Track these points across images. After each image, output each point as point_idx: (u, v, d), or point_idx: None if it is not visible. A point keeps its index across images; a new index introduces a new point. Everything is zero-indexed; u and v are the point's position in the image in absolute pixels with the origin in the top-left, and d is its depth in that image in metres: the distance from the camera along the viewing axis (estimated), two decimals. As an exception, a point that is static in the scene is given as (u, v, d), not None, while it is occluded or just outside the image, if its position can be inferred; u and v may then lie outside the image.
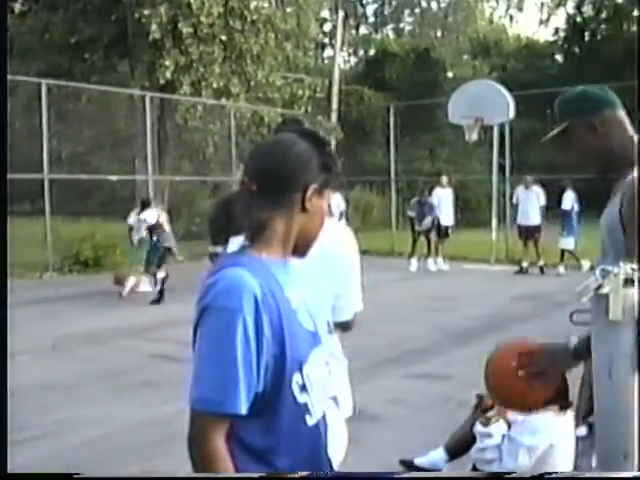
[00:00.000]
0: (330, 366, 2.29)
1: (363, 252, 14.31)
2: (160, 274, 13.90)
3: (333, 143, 31.80)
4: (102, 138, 32.60)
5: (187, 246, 19.61)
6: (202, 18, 20.70)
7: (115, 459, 5.72)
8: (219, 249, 13.06)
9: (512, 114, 18.58)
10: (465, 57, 42.51)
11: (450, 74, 39.59)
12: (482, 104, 18.37)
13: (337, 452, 2.40)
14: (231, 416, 1.95)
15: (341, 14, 37.34)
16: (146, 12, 20.08)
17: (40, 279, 16.67)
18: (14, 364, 8.80)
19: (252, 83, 23.07)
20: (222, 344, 1.93)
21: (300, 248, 2.16)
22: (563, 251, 17.07)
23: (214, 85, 21.55)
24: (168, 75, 20.47)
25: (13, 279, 16.16)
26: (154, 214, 14.52)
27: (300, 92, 25.24)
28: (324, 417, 2.16)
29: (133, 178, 21.69)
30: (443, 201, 18.65)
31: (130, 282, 14.21)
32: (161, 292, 13.66)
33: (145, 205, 15.04)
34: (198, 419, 1.97)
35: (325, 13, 49.48)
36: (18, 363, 8.92)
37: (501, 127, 20.40)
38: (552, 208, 17.32)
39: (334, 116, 31.67)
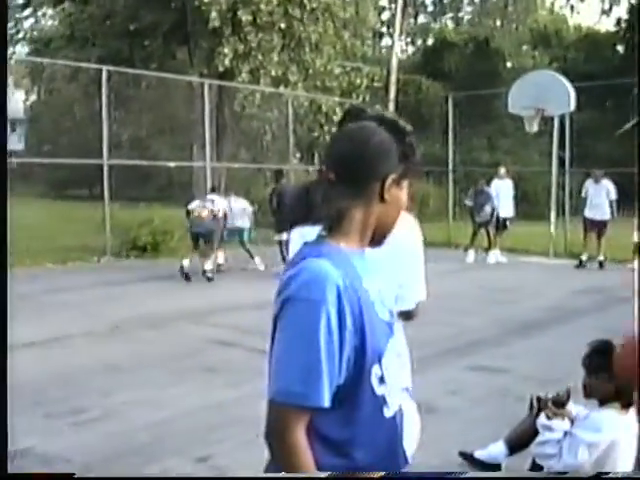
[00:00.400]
0: (402, 357, 2.28)
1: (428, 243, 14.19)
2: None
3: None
4: (160, 124, 32.91)
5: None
6: (261, 6, 20.78)
7: (172, 443, 5.76)
8: (285, 236, 13.48)
9: (573, 105, 18.32)
10: (525, 47, 41.93)
11: (509, 64, 39.09)
12: (543, 95, 18.15)
13: (411, 444, 2.38)
14: (314, 409, 1.94)
15: (400, 2, 37.07)
16: (206, 0, 20.16)
17: (98, 263, 16.85)
18: (73, 346, 8.99)
19: (310, 71, 23.08)
20: (305, 336, 1.93)
21: (377, 238, 2.15)
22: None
23: (272, 73, 21.60)
24: (227, 63, 20.57)
25: (72, 262, 16.44)
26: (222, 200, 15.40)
27: (358, 81, 25.16)
28: (400, 409, 2.15)
29: (191, 165, 21.81)
30: (502, 193, 18.40)
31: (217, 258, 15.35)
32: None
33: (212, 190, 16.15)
34: (280, 411, 1.97)
35: (383, 1, 49.39)
36: (77, 345, 9.08)
37: (561, 118, 20.10)
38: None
39: (391, 106, 31.46)
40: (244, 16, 20.54)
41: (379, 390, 2.04)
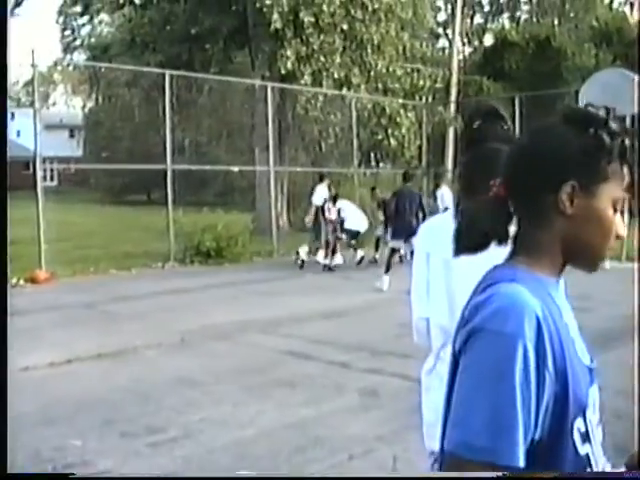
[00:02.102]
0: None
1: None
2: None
3: (452, 135, 31.31)
4: (220, 128, 32.81)
5: (305, 237, 19.46)
6: (323, 7, 20.49)
7: (255, 466, 5.45)
8: (399, 244, 13.42)
9: (648, 104, 17.74)
10: (586, 46, 41.07)
11: (571, 63, 38.29)
12: (614, 93, 17.57)
13: None
14: (504, 468, 1.51)
15: (460, 2, 36.57)
16: (267, 2, 19.95)
17: (162, 269, 16.67)
18: (143, 359, 8.73)
19: (372, 73, 22.73)
20: (496, 377, 1.50)
21: (582, 262, 1.74)
22: None
23: (335, 75, 21.29)
24: (289, 65, 20.30)
25: (136, 269, 16.29)
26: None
27: (421, 82, 24.73)
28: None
29: (254, 169, 21.59)
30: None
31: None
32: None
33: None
34: (461, 467, 1.51)
35: (440, 2, 48.90)
36: (147, 358, 8.82)
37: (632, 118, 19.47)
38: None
39: (452, 107, 30.98)
40: (306, 17, 20.27)
41: (582, 449, 1.61)
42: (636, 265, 15.89)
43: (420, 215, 13.68)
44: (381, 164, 32.40)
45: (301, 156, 25.57)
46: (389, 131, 22.74)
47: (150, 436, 6.04)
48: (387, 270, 13.48)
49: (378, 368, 8.14)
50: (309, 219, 17.05)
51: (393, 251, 13.84)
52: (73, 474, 4.78)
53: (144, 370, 8.22)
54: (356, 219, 18.08)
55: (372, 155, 29.61)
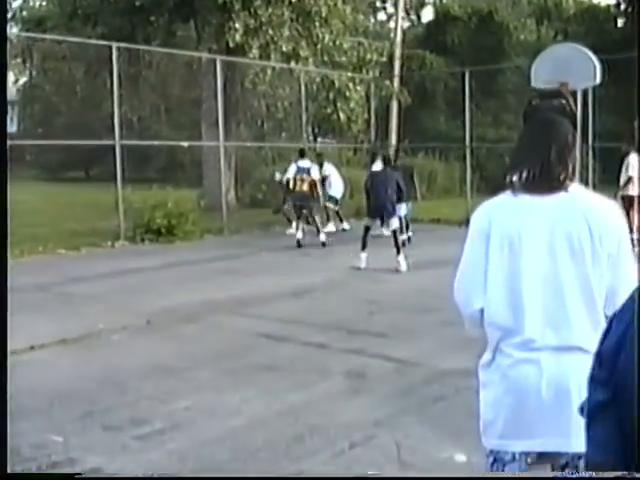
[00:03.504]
0: None
1: (436, 220, 13.70)
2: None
3: (396, 109, 31.13)
4: (163, 103, 32.17)
5: (254, 214, 19.23)
6: (272, -21, 20.06)
7: (256, 460, 5.14)
8: (374, 223, 13.46)
9: (599, 79, 17.67)
10: (528, 21, 41.17)
11: (514, 38, 38.35)
12: (567, 68, 17.49)
13: None
14: None
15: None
16: (216, -27, 19.43)
17: (112, 248, 16.18)
18: (110, 343, 8.34)
19: (319, 46, 22.35)
20: None
21: None
22: None
23: (283, 49, 20.86)
24: (238, 38, 19.81)
25: (85, 248, 15.80)
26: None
27: (368, 56, 24.42)
28: None
29: (203, 144, 21.13)
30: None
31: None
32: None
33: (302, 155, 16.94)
34: None
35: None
36: (114, 342, 8.45)
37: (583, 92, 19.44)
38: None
39: (396, 81, 30.75)
40: (255, -11, 19.82)
41: None
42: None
43: (395, 196, 13.42)
44: (326, 139, 32.17)
45: (244, 131, 25.17)
46: (338, 105, 22.42)
47: (135, 429, 5.69)
48: (363, 247, 13.25)
49: (358, 349, 7.90)
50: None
51: (367, 229, 13.54)
52: (78, 474, 4.43)
53: (114, 356, 7.84)
54: (338, 185, 18.53)
55: (317, 129, 29.35)
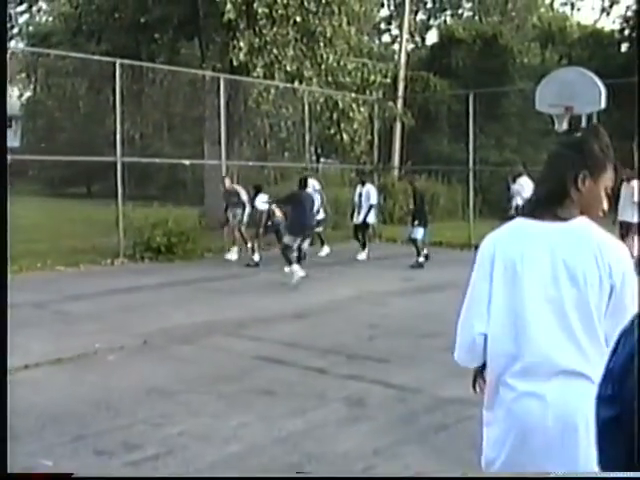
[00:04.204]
0: None
1: (438, 243, 13.58)
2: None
3: (399, 131, 31.10)
4: (165, 120, 32.13)
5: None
6: (277, -2, 20.03)
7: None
8: (294, 241, 13.67)
9: (604, 103, 17.59)
10: (532, 44, 41.22)
11: (518, 61, 38.35)
12: (572, 92, 17.44)
13: None
14: None
15: (407, -2, 36.41)
16: (221, -8, 19.40)
17: (112, 265, 16.04)
18: (105, 364, 8.19)
19: (323, 67, 22.30)
20: None
21: None
22: None
23: (287, 68, 20.81)
24: (242, 57, 19.76)
25: (84, 265, 15.66)
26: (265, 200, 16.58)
27: (372, 77, 24.36)
28: None
29: (205, 162, 21.03)
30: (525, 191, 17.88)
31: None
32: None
33: (258, 190, 17.06)
34: None
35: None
36: (109, 363, 8.30)
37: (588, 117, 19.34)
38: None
39: (400, 103, 30.72)
40: (260, 8, 19.75)
41: None
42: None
43: (314, 212, 14.93)
44: (329, 160, 32.11)
45: (247, 150, 25.08)
46: (341, 125, 22.34)
47: (128, 454, 5.54)
48: (290, 262, 13.84)
49: (358, 374, 7.74)
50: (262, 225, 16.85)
51: (286, 247, 14.01)
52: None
53: (109, 377, 7.68)
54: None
55: (320, 150, 29.29)
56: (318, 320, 10.71)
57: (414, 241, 17.06)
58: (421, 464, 5.39)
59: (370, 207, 17.82)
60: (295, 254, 14.11)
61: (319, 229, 18.23)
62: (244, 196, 17.00)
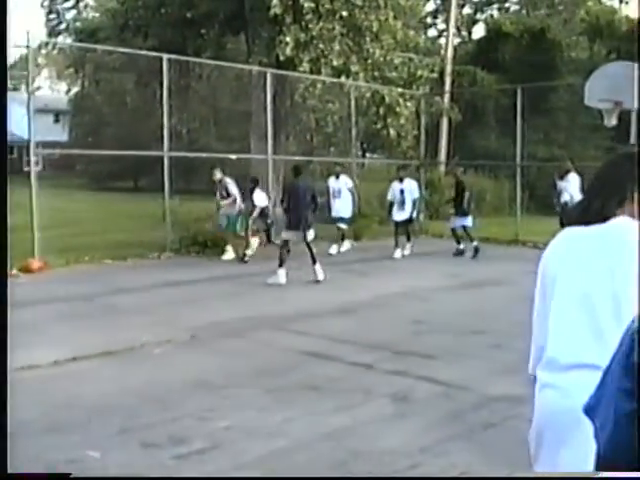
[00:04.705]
0: None
1: (484, 239, 13.47)
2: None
3: (446, 125, 30.93)
4: (214, 115, 32.23)
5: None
6: (324, -7, 19.96)
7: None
8: (291, 236, 13.45)
9: (655, 98, 17.34)
10: (580, 38, 40.72)
11: (566, 55, 37.89)
12: (622, 87, 17.22)
13: None
14: None
15: (455, -8, 36.18)
16: (267, -13, 19.39)
17: (159, 259, 16.13)
18: (153, 357, 8.23)
19: (370, 61, 22.20)
20: None
21: None
22: None
23: (334, 63, 20.73)
24: (288, 52, 19.73)
25: (131, 259, 15.77)
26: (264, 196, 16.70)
27: (419, 72, 24.22)
28: None
29: (251, 157, 21.06)
30: (571, 188, 17.70)
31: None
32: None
33: (255, 184, 17.06)
34: None
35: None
36: (157, 356, 8.34)
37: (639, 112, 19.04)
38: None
39: (446, 97, 30.52)
40: (306, 3, 19.67)
41: None
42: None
43: (313, 206, 13.86)
44: (374, 155, 32.03)
45: (293, 145, 25.07)
46: (388, 121, 22.22)
47: (174, 447, 5.55)
48: (281, 264, 13.20)
49: (404, 370, 7.69)
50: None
51: (285, 243, 13.56)
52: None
53: (156, 370, 7.73)
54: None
55: (366, 145, 29.21)
56: (364, 315, 10.67)
57: (453, 230, 17.50)
58: (468, 462, 5.34)
59: (414, 202, 17.68)
60: (308, 253, 13.42)
61: (343, 226, 18.17)
62: (234, 189, 16.63)
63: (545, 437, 2.78)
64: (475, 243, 17.11)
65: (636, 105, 17.37)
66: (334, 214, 17.80)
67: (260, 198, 16.76)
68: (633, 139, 18.48)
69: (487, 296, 11.97)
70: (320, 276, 13.20)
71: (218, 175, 16.83)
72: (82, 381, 7.29)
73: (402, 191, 17.47)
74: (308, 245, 13.40)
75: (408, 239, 17.47)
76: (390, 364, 7.95)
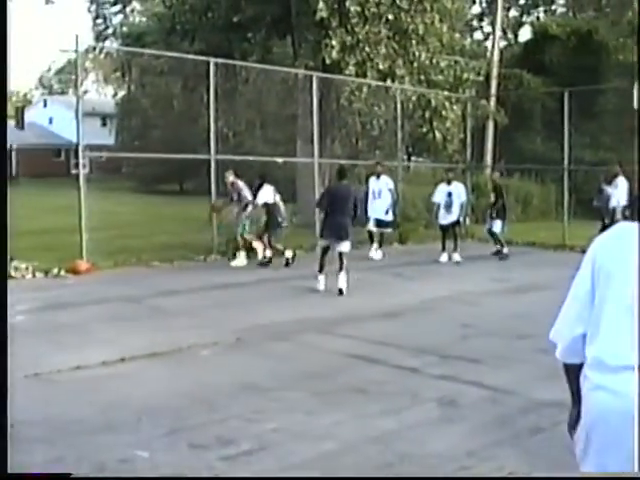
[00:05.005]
0: None
1: (531, 244, 13.44)
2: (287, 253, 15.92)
3: (492, 129, 30.77)
4: (260, 118, 32.36)
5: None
6: (369, -4, 20.02)
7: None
8: (329, 243, 13.11)
9: None
10: (628, 41, 40.27)
11: (613, 58, 37.49)
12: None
13: None
14: None
15: (501, -5, 36.02)
16: (313, -10, 19.48)
17: (205, 262, 16.23)
18: (200, 359, 8.29)
19: (416, 65, 22.18)
20: None
21: None
22: None
23: (380, 66, 20.75)
24: (334, 55, 19.79)
25: (178, 261, 15.87)
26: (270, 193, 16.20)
27: (465, 75, 24.16)
28: None
29: (297, 160, 21.15)
30: (618, 192, 17.56)
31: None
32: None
33: (262, 181, 16.46)
34: None
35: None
36: (204, 358, 8.40)
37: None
38: None
39: (493, 100, 30.41)
40: (352, 7, 19.75)
41: None
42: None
43: (353, 213, 12.94)
44: (419, 158, 31.93)
45: (338, 148, 25.09)
46: (434, 124, 22.20)
47: (223, 448, 5.59)
48: (321, 269, 12.77)
49: (451, 374, 7.67)
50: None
51: (325, 250, 12.96)
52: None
53: (204, 372, 7.78)
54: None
55: (411, 149, 29.12)
56: (410, 319, 10.66)
57: (493, 234, 17.50)
58: (515, 467, 5.32)
59: (461, 205, 17.46)
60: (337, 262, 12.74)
61: (387, 230, 18.12)
62: (246, 192, 16.25)
63: (594, 437, 2.80)
64: (498, 247, 17.28)
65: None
66: (371, 213, 17.54)
67: (265, 194, 16.18)
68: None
69: (533, 300, 11.86)
70: (343, 285, 12.51)
71: (230, 178, 16.39)
72: (130, 382, 7.36)
73: (450, 194, 17.23)
74: (340, 255, 12.72)
75: (455, 244, 17.08)
76: (437, 368, 7.94)
